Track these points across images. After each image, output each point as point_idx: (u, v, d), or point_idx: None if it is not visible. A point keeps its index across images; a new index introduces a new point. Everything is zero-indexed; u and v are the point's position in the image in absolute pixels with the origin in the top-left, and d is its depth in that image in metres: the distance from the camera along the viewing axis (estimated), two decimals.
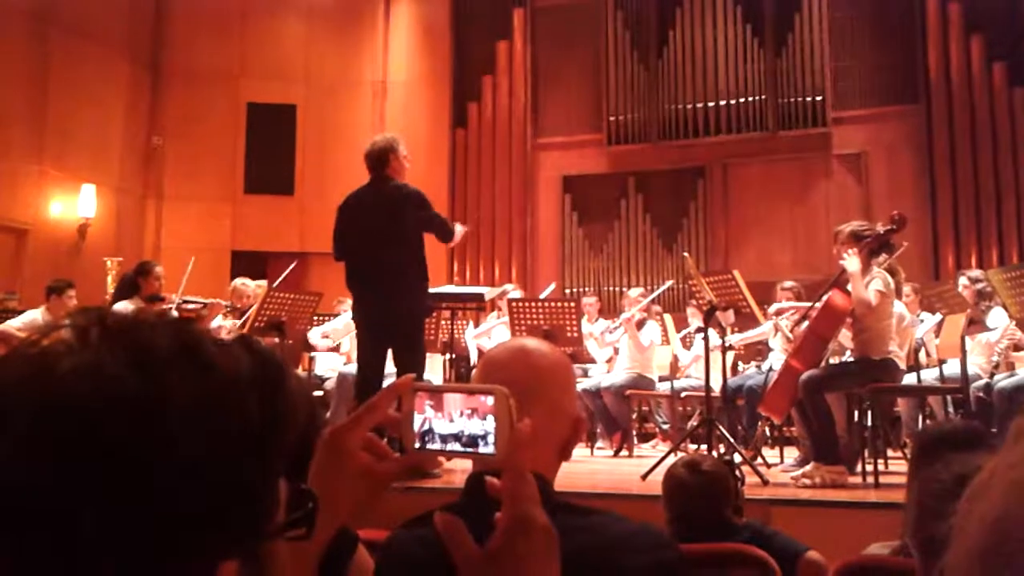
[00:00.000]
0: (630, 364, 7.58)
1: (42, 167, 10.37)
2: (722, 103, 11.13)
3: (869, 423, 5.59)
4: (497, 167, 11.88)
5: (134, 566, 0.53)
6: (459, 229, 5.55)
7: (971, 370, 5.89)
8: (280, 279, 7.21)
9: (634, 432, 7.88)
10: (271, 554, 0.60)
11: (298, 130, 12.05)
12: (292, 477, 0.65)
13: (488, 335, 7.96)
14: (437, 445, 0.92)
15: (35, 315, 7.33)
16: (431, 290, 5.48)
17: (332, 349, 7.81)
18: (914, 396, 6.42)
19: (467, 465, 1.24)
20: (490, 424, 0.88)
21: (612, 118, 11.52)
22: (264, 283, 7.09)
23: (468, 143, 12.13)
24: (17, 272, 10.02)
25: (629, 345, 7.61)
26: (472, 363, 7.83)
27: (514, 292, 7.89)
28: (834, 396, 5.05)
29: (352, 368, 6.55)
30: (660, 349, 7.90)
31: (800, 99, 10.90)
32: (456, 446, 0.91)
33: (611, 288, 11.33)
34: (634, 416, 8.13)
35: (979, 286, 6.24)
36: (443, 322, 7.07)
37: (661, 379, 7.73)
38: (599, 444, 7.67)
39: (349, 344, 7.44)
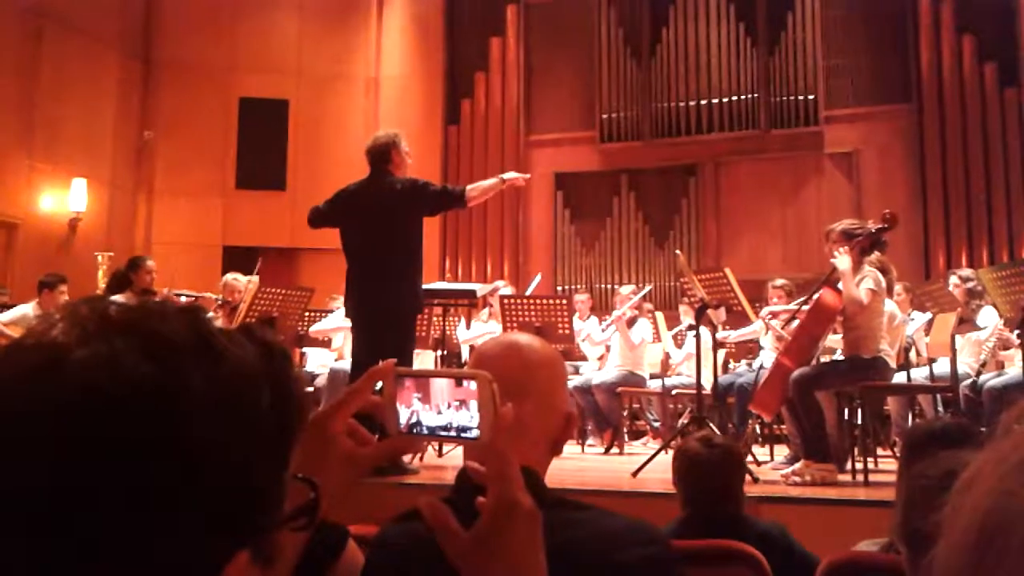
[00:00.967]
0: (621, 361, 7.59)
1: (33, 161, 10.33)
2: (714, 101, 11.15)
3: (859, 421, 5.61)
4: (489, 163, 11.86)
5: (156, 558, 0.52)
6: (511, 176, 5.51)
7: (961, 369, 5.92)
8: (255, 271, 7.19)
9: (625, 429, 7.89)
10: (279, 546, 0.60)
11: (290, 125, 12.02)
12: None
13: (481, 338, 7.96)
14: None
15: (25, 310, 7.28)
16: (423, 287, 5.47)
17: (324, 345, 7.80)
18: (904, 395, 6.44)
19: (459, 462, 1.24)
20: (475, 412, 0.88)
21: (604, 115, 11.53)
22: (256, 278, 7.07)
23: (461, 139, 12.12)
24: (7, 267, 9.98)
25: (620, 343, 7.62)
26: (463, 360, 7.82)
27: (505, 289, 7.89)
28: (824, 394, 5.07)
29: (343, 364, 6.55)
30: (651, 347, 7.92)
31: (792, 98, 10.92)
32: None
33: (603, 285, 11.34)
34: (625, 413, 8.14)
35: (969, 285, 6.26)
36: (435, 319, 7.06)
37: (652, 376, 7.73)
38: (590, 441, 7.68)
39: (341, 340, 7.42)
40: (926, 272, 10.11)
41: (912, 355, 6.84)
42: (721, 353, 7.42)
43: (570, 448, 7.11)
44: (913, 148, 10.68)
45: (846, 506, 4.00)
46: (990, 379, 5.79)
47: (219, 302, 7.17)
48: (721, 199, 11.27)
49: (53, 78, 10.41)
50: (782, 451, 6.37)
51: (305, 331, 7.49)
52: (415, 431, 0.92)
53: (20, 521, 0.51)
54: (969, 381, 6.03)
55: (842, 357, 5.24)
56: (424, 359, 7.51)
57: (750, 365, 7.30)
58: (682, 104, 11.27)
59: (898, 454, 6.06)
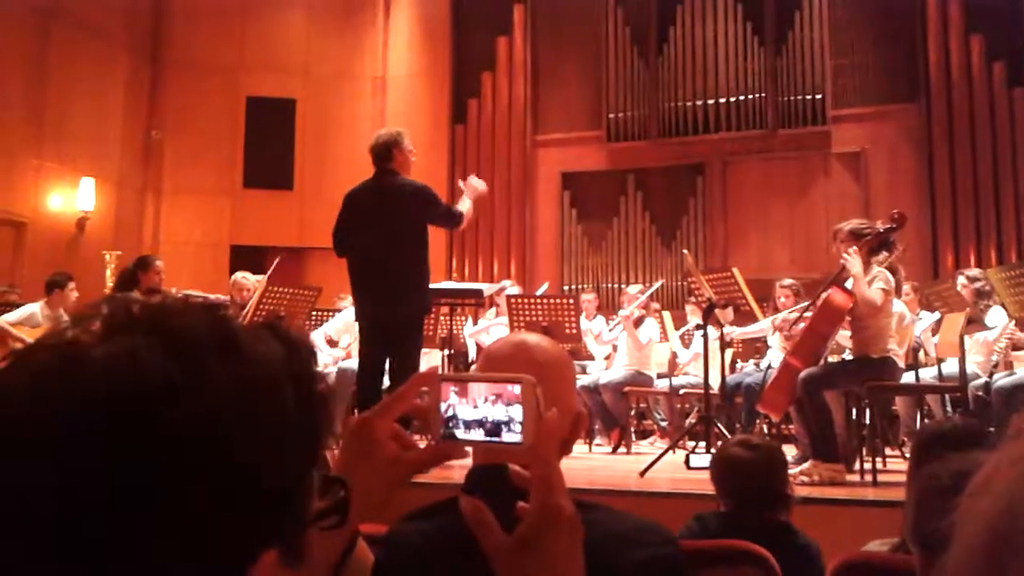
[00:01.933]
0: (628, 361, 7.58)
1: (41, 160, 10.36)
2: (722, 100, 11.13)
3: (867, 421, 5.60)
4: (496, 163, 11.87)
5: (177, 558, 0.52)
6: (471, 190, 5.46)
7: (970, 369, 5.90)
8: (270, 270, 7.18)
9: (632, 429, 7.89)
10: (308, 545, 0.60)
11: (297, 124, 12.04)
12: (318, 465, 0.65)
13: (486, 332, 7.96)
14: (461, 431, 0.92)
15: (34, 309, 7.27)
16: (430, 286, 5.47)
17: (332, 344, 7.81)
18: (913, 395, 6.42)
19: (467, 462, 1.24)
20: (514, 411, 0.88)
21: (612, 115, 11.52)
22: (264, 278, 7.08)
23: (467, 139, 12.12)
24: (15, 266, 10.01)
25: (627, 342, 7.61)
26: (470, 359, 7.83)
27: (512, 288, 7.90)
28: (832, 394, 5.05)
29: (352, 363, 6.55)
30: (658, 346, 7.91)
31: (800, 97, 10.90)
32: (479, 432, 0.91)
33: (610, 285, 11.33)
34: (632, 413, 8.14)
35: (978, 285, 6.24)
36: (442, 318, 7.07)
37: (659, 376, 7.73)
38: (597, 441, 7.67)
39: (349, 339, 7.43)
40: (934, 272, 10.08)
41: (921, 355, 6.83)
42: (728, 353, 7.41)
43: (578, 448, 7.06)
44: (921, 148, 10.65)
45: (855, 506, 3.99)
46: (1000, 379, 5.77)
47: (228, 302, 7.18)
48: (728, 199, 11.25)
49: (61, 77, 10.44)
50: (790, 451, 6.34)
51: (312, 330, 7.50)
52: (451, 424, 0.93)
53: (33, 521, 0.50)
54: (979, 381, 6.02)
55: (851, 357, 5.23)
56: (431, 358, 7.52)
57: (758, 365, 7.29)
58: (689, 103, 11.25)
59: (907, 454, 6.05)
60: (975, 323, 6.07)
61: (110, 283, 8.41)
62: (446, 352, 7.02)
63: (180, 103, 11.78)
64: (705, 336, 5.71)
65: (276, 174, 11.89)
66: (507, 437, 0.89)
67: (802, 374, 4.81)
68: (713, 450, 5.26)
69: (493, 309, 8.15)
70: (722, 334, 6.22)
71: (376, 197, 5.12)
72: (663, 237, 11.41)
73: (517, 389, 0.88)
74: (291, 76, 12.05)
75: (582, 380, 7.47)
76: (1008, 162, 10.21)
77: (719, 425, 5.68)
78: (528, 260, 11.79)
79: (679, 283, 10.91)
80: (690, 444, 6.43)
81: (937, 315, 6.56)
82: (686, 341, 8.16)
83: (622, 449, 7.33)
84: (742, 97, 11.08)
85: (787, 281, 7.10)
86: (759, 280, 7.88)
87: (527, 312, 6.74)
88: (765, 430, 7.28)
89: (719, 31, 11.28)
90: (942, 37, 10.57)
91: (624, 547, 1.20)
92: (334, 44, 12.26)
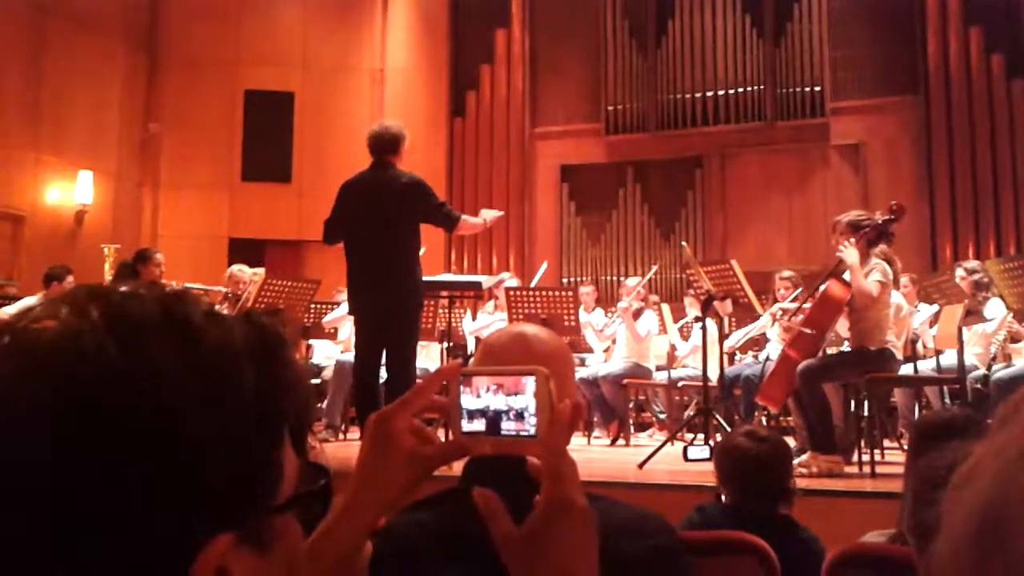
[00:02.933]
0: (627, 353, 7.58)
1: (39, 154, 10.35)
2: (720, 93, 11.12)
3: (866, 413, 5.60)
4: (495, 156, 11.86)
5: (122, 540, 0.52)
6: (490, 215, 5.51)
7: (968, 361, 5.90)
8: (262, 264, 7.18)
9: (631, 421, 7.90)
10: (277, 532, 0.59)
11: (296, 117, 12.01)
12: (300, 454, 0.64)
13: (487, 328, 7.96)
14: (465, 420, 0.92)
15: (32, 303, 7.27)
16: (428, 278, 5.46)
17: (330, 337, 7.81)
18: (911, 387, 6.43)
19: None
20: (514, 401, 0.89)
21: (610, 107, 11.51)
22: (262, 271, 7.08)
23: (466, 132, 12.11)
24: (14, 259, 10.01)
25: (626, 335, 7.61)
26: (469, 352, 7.83)
27: (511, 281, 7.89)
28: (830, 385, 5.06)
29: (350, 356, 6.55)
30: (657, 339, 7.91)
31: (798, 89, 10.89)
32: (481, 422, 0.91)
33: (608, 277, 11.34)
34: (631, 405, 8.14)
35: (976, 277, 6.24)
36: (440, 311, 7.06)
37: (658, 368, 7.73)
38: (596, 433, 7.68)
39: (347, 332, 7.44)
40: (933, 264, 10.09)
41: (919, 347, 6.83)
42: (727, 345, 7.42)
43: (576, 440, 7.09)
44: (920, 140, 10.64)
45: (853, 497, 4.00)
46: (998, 371, 5.78)
47: (226, 294, 7.18)
48: (727, 191, 11.25)
49: (58, 71, 10.42)
50: (789, 443, 6.36)
51: (311, 323, 7.50)
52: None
53: None
54: (977, 373, 6.02)
55: (848, 349, 5.23)
56: (430, 351, 7.52)
57: (756, 357, 7.29)
58: (688, 96, 11.24)
59: (905, 446, 6.06)
60: (973, 315, 6.07)
61: (109, 276, 8.40)
62: (445, 345, 7.02)
63: (178, 96, 11.76)
64: (704, 328, 5.72)
65: (274, 167, 11.87)
66: (506, 426, 0.89)
67: (800, 366, 4.82)
68: (712, 442, 5.28)
69: (492, 302, 8.15)
70: (720, 326, 6.22)
71: (373, 188, 5.11)
72: (662, 229, 11.41)
73: (524, 380, 0.88)
74: (289, 69, 12.03)
75: (581, 372, 7.47)
76: (1007, 154, 10.20)
77: (718, 417, 5.69)
78: (527, 253, 11.79)
79: (678, 275, 10.91)
80: (688, 436, 6.43)
81: (935, 307, 6.57)
82: (685, 333, 8.16)
83: (621, 441, 7.33)
84: (741, 89, 11.07)
85: (786, 273, 7.10)
86: (758, 272, 7.87)
87: (526, 304, 6.74)
88: (764, 422, 7.28)
89: (718, 23, 11.27)
90: (941, 29, 10.55)
91: (625, 537, 1.20)
92: (332, 37, 12.23)
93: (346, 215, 5.19)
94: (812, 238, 10.57)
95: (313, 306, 7.37)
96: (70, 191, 10.64)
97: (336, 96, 12.07)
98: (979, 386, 5.87)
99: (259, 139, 11.86)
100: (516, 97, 11.95)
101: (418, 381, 1.00)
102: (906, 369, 5.77)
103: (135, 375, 0.53)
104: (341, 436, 7.13)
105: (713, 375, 6.08)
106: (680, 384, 7.47)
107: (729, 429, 5.54)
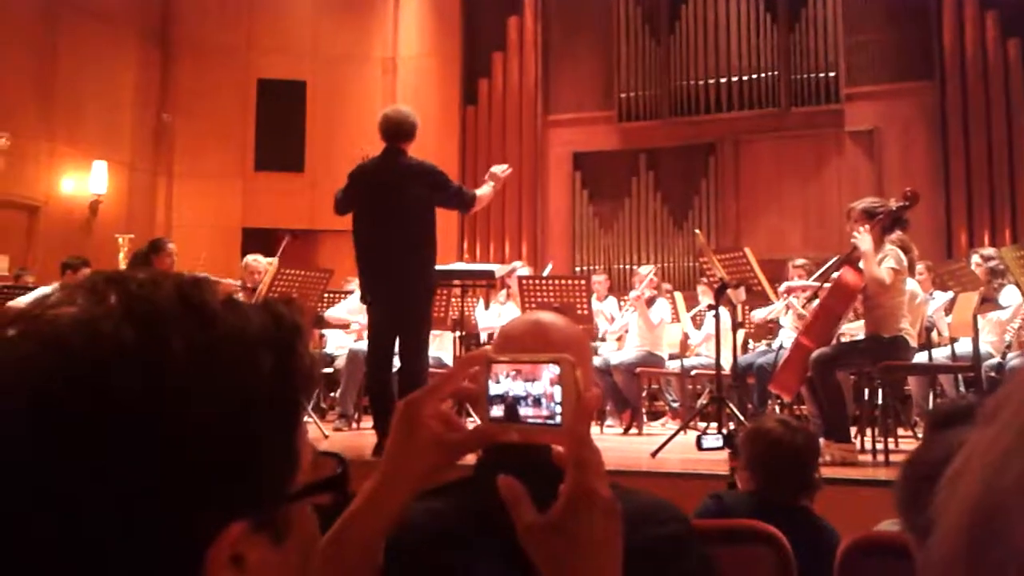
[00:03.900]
0: (640, 342, 7.57)
1: (53, 144, 10.39)
2: (734, 79, 11.06)
3: (879, 401, 5.59)
4: (507, 144, 11.84)
5: (132, 523, 0.52)
6: (499, 171, 5.43)
7: (983, 348, 5.87)
8: (280, 252, 7.17)
9: (644, 410, 7.89)
10: (292, 521, 0.60)
11: (308, 106, 12.02)
12: None
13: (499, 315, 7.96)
14: (492, 408, 0.92)
15: (47, 291, 7.32)
16: (441, 267, 5.46)
17: (343, 326, 7.82)
18: (926, 375, 6.40)
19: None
20: (532, 387, 0.88)
21: (623, 94, 11.46)
22: (276, 260, 7.09)
23: (478, 120, 12.09)
24: (29, 249, 10.07)
25: (639, 323, 7.60)
26: (483, 341, 7.83)
27: (523, 269, 7.89)
28: (840, 372, 5.04)
29: (363, 345, 6.56)
30: (670, 327, 7.90)
31: (813, 75, 10.82)
32: (500, 407, 0.91)
33: (621, 266, 11.31)
34: (644, 394, 8.14)
35: (991, 264, 6.20)
36: (453, 299, 7.06)
37: (671, 357, 7.72)
38: (609, 422, 7.68)
39: (359, 323, 7.44)
40: (948, 251, 10.03)
41: (934, 335, 6.80)
42: (740, 333, 7.40)
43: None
44: (935, 125, 10.56)
45: (867, 486, 3.99)
46: (1013, 359, 5.75)
47: (240, 285, 7.20)
48: (741, 178, 11.20)
49: (72, 61, 10.45)
50: None
51: (324, 311, 7.51)
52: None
53: None
54: (992, 361, 5.99)
55: (862, 336, 5.21)
56: (443, 340, 7.52)
57: (769, 345, 7.28)
58: (701, 82, 11.19)
59: (919, 435, 6.04)
60: (989, 302, 6.04)
61: (123, 266, 8.45)
62: (458, 334, 7.02)
63: (191, 86, 11.78)
64: (717, 316, 5.70)
65: (287, 156, 11.89)
66: (523, 412, 0.89)
67: (814, 354, 4.80)
68: (725, 431, 5.26)
69: (504, 291, 8.15)
70: (733, 314, 6.20)
71: (386, 175, 5.09)
72: (675, 217, 11.37)
73: (542, 366, 0.88)
74: (301, 58, 12.03)
75: (593, 361, 7.47)
76: (1023, 139, 10.12)
77: (731, 406, 5.67)
78: (539, 241, 11.78)
79: (691, 263, 10.88)
80: (701, 425, 6.43)
81: (950, 294, 6.53)
82: (698, 322, 8.14)
83: (633, 430, 7.33)
84: (755, 75, 11.01)
85: (800, 261, 7.08)
86: (772, 260, 7.85)
87: (538, 293, 6.74)
88: (777, 410, 7.27)
89: (731, 9, 11.20)
90: (957, 14, 10.46)
91: (638, 525, 1.20)
92: (344, 25, 12.23)
93: (357, 201, 5.19)
94: (826, 225, 10.53)
95: (326, 295, 7.38)
96: (84, 181, 10.69)
97: (348, 85, 12.07)
98: (994, 374, 5.83)
99: (272, 128, 11.88)
100: (528, 85, 11.93)
101: (439, 371, 1.00)
102: (920, 357, 5.74)
103: (150, 358, 0.53)
104: (354, 425, 7.15)
105: (726, 363, 6.07)
106: (693, 372, 7.46)
107: (742, 418, 5.53)
